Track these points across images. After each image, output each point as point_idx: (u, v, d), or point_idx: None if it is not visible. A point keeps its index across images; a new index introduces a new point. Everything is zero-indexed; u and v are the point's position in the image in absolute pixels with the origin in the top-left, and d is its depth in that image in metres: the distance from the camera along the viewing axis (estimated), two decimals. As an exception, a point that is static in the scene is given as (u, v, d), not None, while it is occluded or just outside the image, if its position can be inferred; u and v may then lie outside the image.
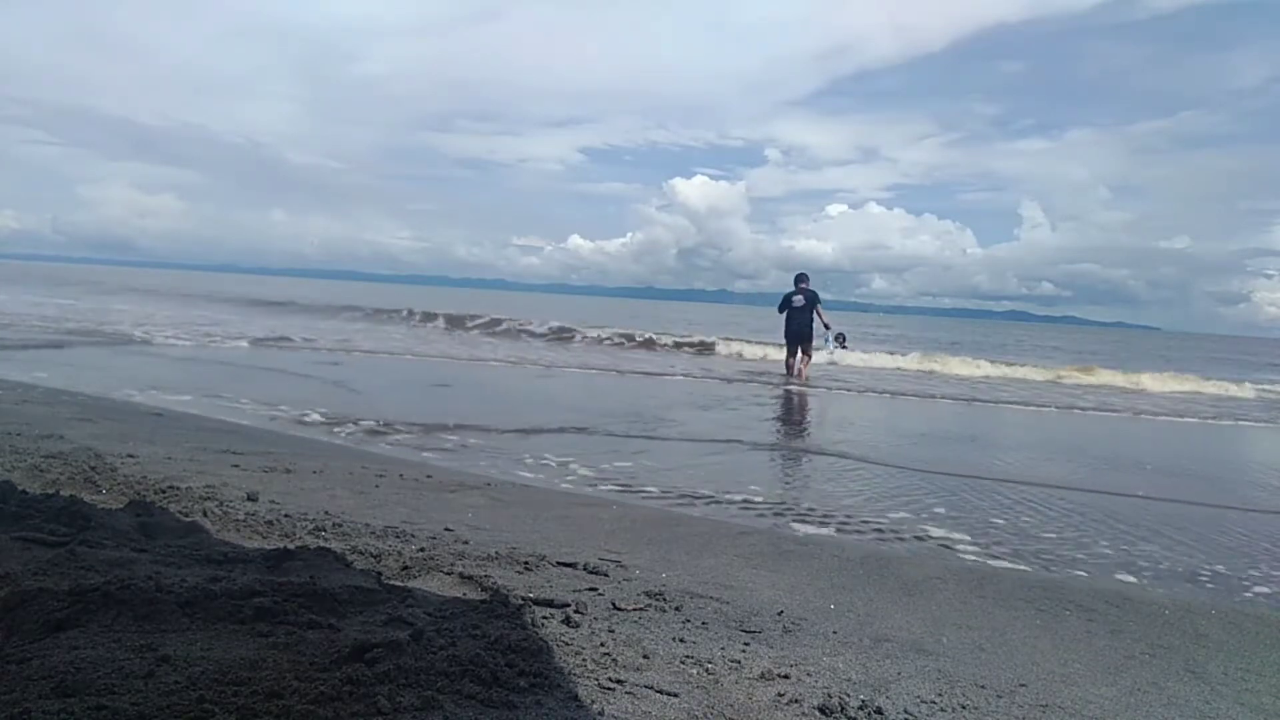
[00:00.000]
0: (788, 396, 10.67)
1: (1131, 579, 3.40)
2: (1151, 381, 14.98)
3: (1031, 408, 10.89)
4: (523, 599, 2.29)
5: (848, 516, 4.16)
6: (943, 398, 11.46)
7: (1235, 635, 2.69)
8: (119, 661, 1.50)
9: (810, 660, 2.12)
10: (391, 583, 2.32)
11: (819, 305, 12.06)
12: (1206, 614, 2.89)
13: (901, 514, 4.30)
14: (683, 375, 12.55)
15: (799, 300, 11.94)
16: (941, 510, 4.47)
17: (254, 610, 1.82)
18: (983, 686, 2.06)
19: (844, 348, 16.70)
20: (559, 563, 2.83)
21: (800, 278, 12.25)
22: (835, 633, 2.37)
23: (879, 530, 3.95)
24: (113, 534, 2.40)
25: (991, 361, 17.68)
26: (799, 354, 12.18)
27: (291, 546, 2.50)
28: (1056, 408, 10.97)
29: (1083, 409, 11.04)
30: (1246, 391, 14.88)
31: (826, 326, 12.63)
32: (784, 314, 12.09)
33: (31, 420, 4.84)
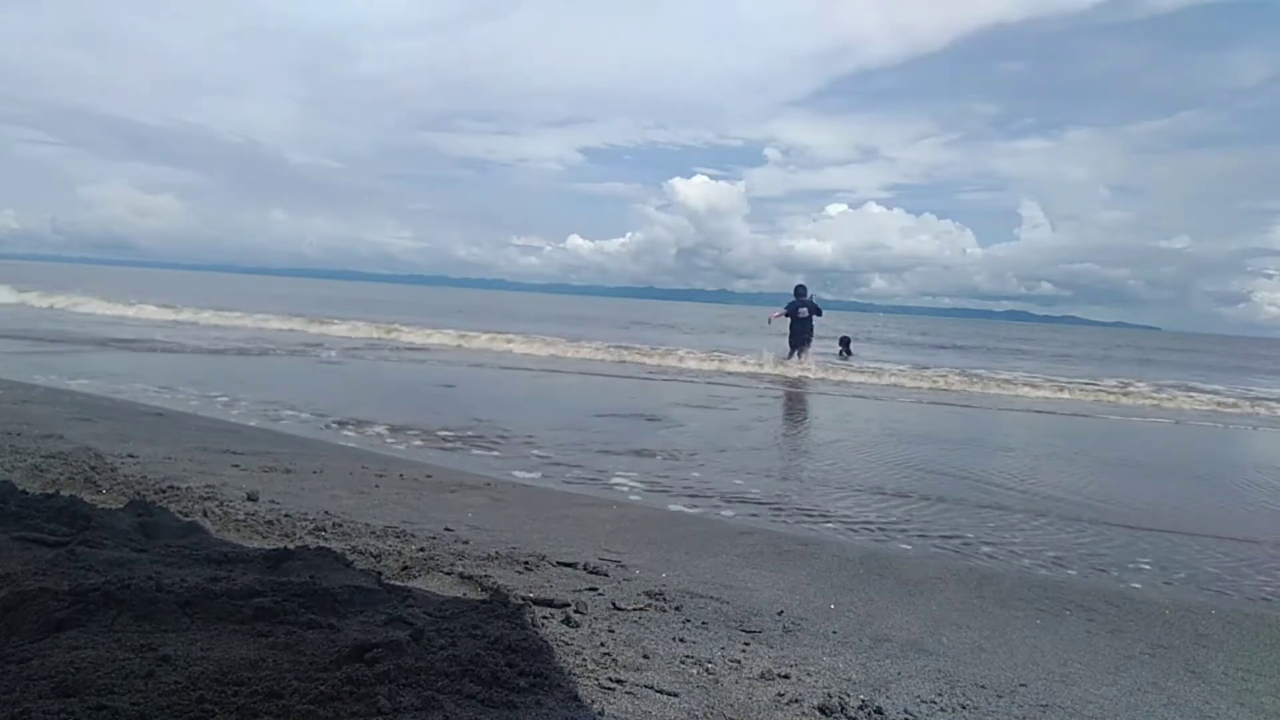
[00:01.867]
0: (789, 395, 10.70)
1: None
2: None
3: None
4: (523, 599, 2.29)
5: (846, 516, 4.17)
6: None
7: (1235, 635, 2.69)
8: (119, 661, 1.50)
9: (810, 660, 2.12)
10: (391, 583, 2.32)
11: (818, 315, 14.12)
12: (1206, 614, 2.89)
13: (901, 513, 4.30)
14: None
15: (803, 311, 13.88)
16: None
17: (254, 610, 1.82)
18: (983, 686, 2.07)
19: (850, 353, 16.51)
20: (559, 563, 2.83)
21: (800, 289, 14.07)
22: (835, 633, 2.37)
23: (879, 530, 3.95)
24: (113, 534, 2.40)
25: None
26: (800, 353, 14.02)
27: (291, 546, 2.50)
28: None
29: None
30: None
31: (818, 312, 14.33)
32: (788, 318, 14.05)
33: (31, 420, 4.84)
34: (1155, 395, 12.93)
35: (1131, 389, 13.68)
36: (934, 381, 12.93)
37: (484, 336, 16.54)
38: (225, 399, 6.95)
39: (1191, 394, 13.48)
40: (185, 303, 21.74)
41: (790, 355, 13.95)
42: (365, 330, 17.02)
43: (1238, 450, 8.56)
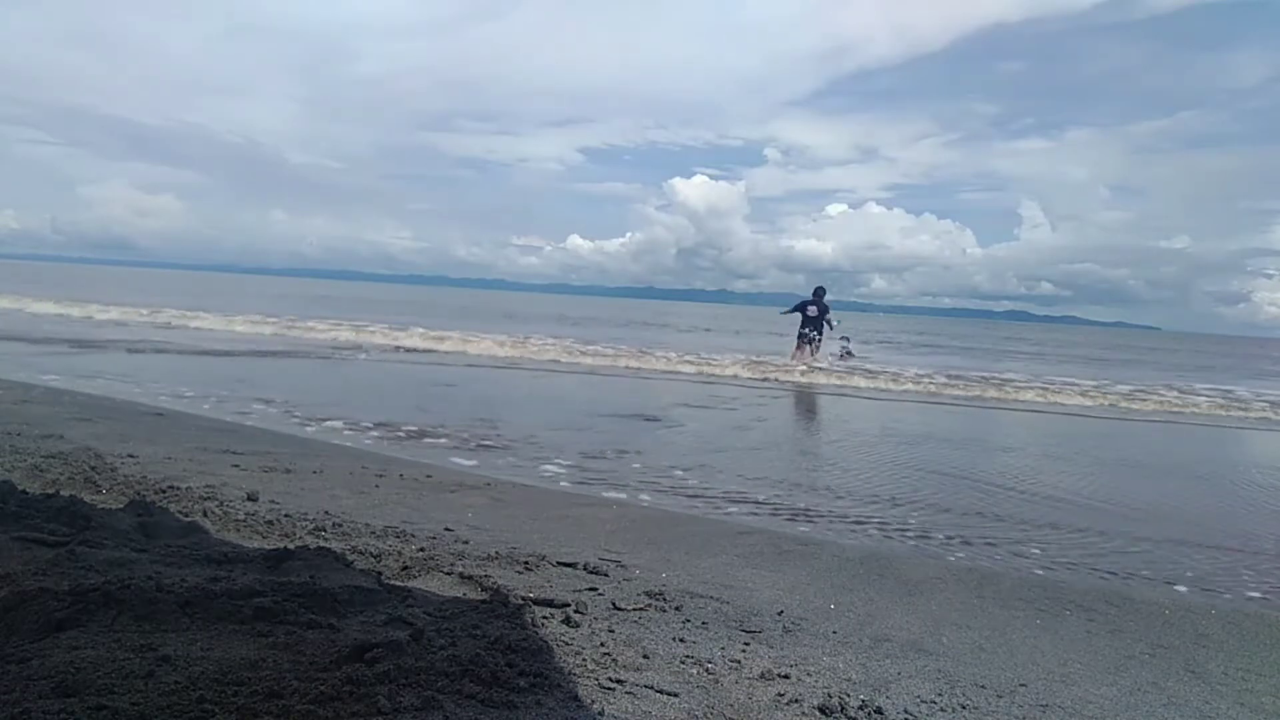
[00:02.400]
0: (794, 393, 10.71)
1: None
2: None
3: None
4: (523, 599, 2.29)
5: (846, 516, 4.17)
6: None
7: (1235, 635, 2.69)
8: (119, 661, 1.50)
9: (810, 660, 2.12)
10: (391, 583, 2.32)
11: (829, 316, 14.96)
12: (1206, 614, 2.89)
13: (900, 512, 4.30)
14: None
15: (813, 310, 14.74)
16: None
17: (254, 610, 1.82)
18: (983, 686, 2.07)
19: (851, 354, 16.60)
20: (559, 563, 2.83)
21: (819, 291, 14.95)
22: (835, 633, 2.38)
23: (879, 530, 3.95)
24: (113, 534, 2.40)
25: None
26: (806, 348, 14.87)
27: (291, 546, 2.50)
28: None
29: None
30: None
31: (831, 325, 15.17)
32: (798, 315, 14.88)
33: (31, 420, 4.84)
34: (1155, 397, 12.89)
35: (1131, 390, 13.64)
36: (927, 385, 12.88)
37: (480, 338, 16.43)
38: (192, 394, 6.96)
39: (1188, 395, 13.44)
40: (164, 304, 21.68)
41: (797, 350, 14.72)
42: (348, 333, 16.67)
43: (1237, 450, 8.56)
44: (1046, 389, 12.92)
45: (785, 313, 15.27)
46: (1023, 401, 11.66)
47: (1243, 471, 6.81)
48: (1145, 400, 12.39)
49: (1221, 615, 2.90)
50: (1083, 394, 12.60)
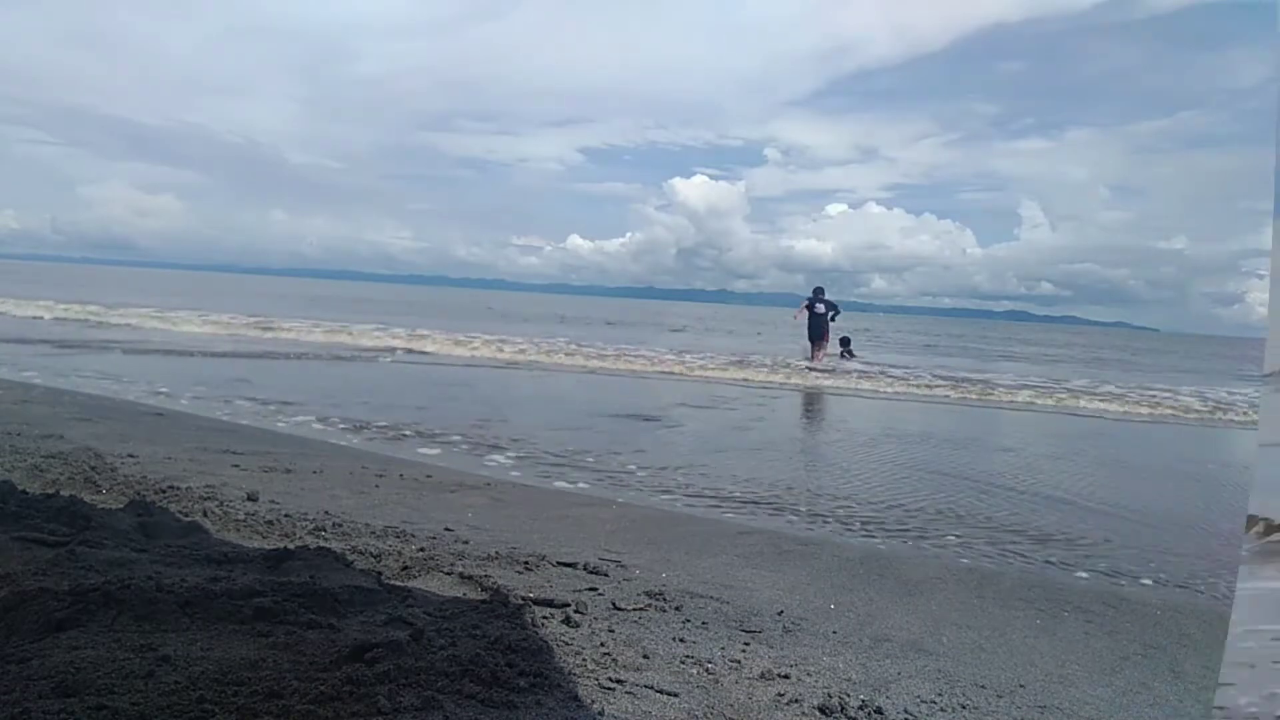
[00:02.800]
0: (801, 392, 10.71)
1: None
2: None
3: None
4: (523, 599, 2.29)
5: (846, 516, 4.17)
6: None
7: (1212, 635, 2.68)
8: (119, 661, 1.50)
9: (810, 660, 2.12)
10: (391, 583, 2.32)
11: (833, 315, 15.91)
12: (1190, 614, 2.89)
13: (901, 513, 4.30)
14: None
15: (820, 308, 15.69)
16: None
17: (254, 610, 1.82)
18: (982, 686, 2.07)
19: (851, 354, 16.64)
20: (559, 563, 2.83)
21: (819, 291, 15.83)
22: (835, 633, 2.38)
23: (879, 530, 3.95)
24: (113, 534, 2.40)
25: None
26: (815, 347, 15.71)
27: (291, 546, 2.50)
28: None
29: None
30: None
31: (836, 315, 16.15)
32: (807, 312, 15.69)
33: (31, 420, 4.84)
34: (1152, 398, 12.87)
35: (1127, 391, 13.62)
36: (924, 386, 12.86)
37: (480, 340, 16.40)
38: (170, 389, 6.96)
39: (1187, 397, 13.40)
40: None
41: (815, 348, 15.54)
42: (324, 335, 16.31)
43: (1233, 452, 8.56)
44: (1042, 389, 12.93)
45: (796, 315, 16.05)
46: (1021, 402, 11.67)
47: (1239, 473, 6.81)
48: (1141, 402, 12.39)
49: (1198, 614, 2.90)
50: (1076, 394, 12.60)
